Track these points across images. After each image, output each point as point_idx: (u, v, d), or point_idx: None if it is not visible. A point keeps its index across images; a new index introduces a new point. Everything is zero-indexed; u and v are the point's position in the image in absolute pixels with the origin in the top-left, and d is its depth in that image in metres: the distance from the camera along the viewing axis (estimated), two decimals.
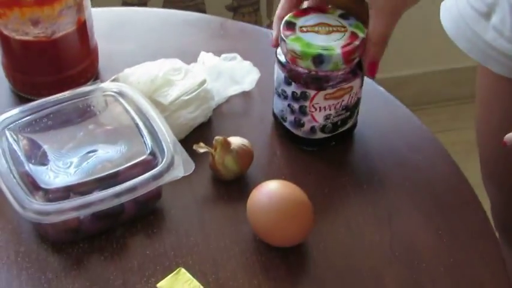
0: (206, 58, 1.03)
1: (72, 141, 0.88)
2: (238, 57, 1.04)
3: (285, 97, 0.93)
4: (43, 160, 0.86)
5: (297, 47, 0.88)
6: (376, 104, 1.03)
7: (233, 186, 0.91)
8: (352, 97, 0.92)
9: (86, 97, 0.91)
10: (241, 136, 0.93)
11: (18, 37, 0.97)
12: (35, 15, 0.95)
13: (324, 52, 0.87)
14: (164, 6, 1.83)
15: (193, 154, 0.87)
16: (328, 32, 0.89)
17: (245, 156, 0.91)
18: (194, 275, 0.81)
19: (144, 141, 0.86)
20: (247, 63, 1.04)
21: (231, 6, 1.91)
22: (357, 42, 0.88)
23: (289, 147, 0.96)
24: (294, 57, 0.89)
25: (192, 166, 0.85)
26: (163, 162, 0.84)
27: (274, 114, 0.98)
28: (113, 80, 0.95)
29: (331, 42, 0.88)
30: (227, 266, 0.84)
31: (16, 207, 0.80)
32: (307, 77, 0.89)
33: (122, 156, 0.86)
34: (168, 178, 0.84)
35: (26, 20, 0.95)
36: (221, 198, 0.91)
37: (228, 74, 1.02)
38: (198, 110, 0.96)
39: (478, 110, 1.17)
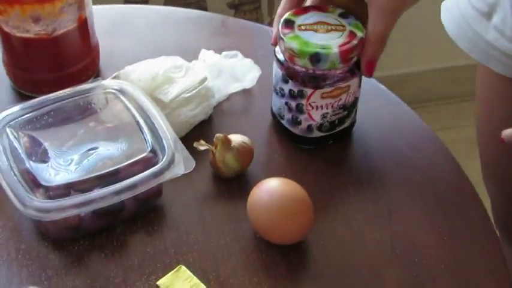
0: (207, 56, 1.03)
1: (73, 138, 0.88)
2: (239, 54, 1.04)
3: (283, 95, 0.93)
4: (44, 157, 0.86)
5: (295, 45, 0.88)
6: (377, 102, 1.03)
7: (233, 184, 0.91)
8: (349, 96, 0.92)
9: (87, 94, 0.91)
10: (241, 134, 0.93)
11: (19, 34, 0.97)
12: (36, 12, 0.95)
13: (321, 51, 0.87)
14: (165, 3, 1.83)
15: (193, 152, 0.87)
16: (327, 31, 0.89)
17: (245, 153, 0.91)
18: (194, 272, 0.81)
19: (144, 138, 0.86)
20: (248, 61, 1.04)
21: (232, 4, 1.91)
22: (355, 42, 0.88)
23: (290, 145, 0.96)
24: (292, 55, 0.89)
25: (192, 164, 0.85)
26: (163, 160, 0.84)
27: (272, 112, 0.98)
28: (114, 78, 0.95)
29: (329, 41, 0.88)
30: (227, 264, 0.84)
31: (17, 204, 0.80)
32: (304, 75, 0.89)
33: (122, 153, 0.86)
34: (168, 176, 0.84)
35: (26, 17, 0.95)
36: (221, 195, 0.91)
37: (228, 71, 1.02)
38: (199, 107, 0.96)
39: (479, 109, 1.17)
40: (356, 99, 0.94)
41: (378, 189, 0.92)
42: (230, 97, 1.02)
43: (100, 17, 1.06)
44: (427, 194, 0.92)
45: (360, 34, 0.89)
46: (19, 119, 0.88)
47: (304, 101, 0.91)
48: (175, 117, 0.93)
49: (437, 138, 0.99)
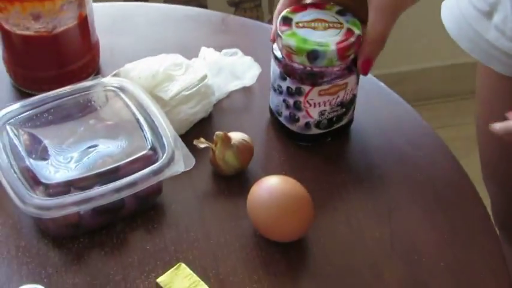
0: (207, 53, 1.03)
1: (73, 136, 0.88)
2: (239, 52, 1.04)
3: (280, 92, 0.93)
4: (44, 155, 0.86)
5: (292, 42, 0.88)
6: (377, 100, 1.03)
7: (233, 182, 0.92)
8: (347, 93, 0.92)
9: (87, 92, 0.91)
10: (241, 131, 0.93)
11: (19, 32, 0.97)
12: (36, 9, 0.95)
13: (319, 48, 0.87)
14: (166, 1, 1.83)
15: (193, 149, 0.87)
16: (325, 28, 0.89)
17: (245, 151, 0.91)
18: (194, 270, 0.81)
19: (144, 136, 0.86)
20: (248, 59, 1.04)
21: (233, 2, 1.91)
22: (352, 39, 0.88)
23: (290, 143, 0.96)
24: (289, 52, 0.89)
25: (192, 161, 0.85)
26: (163, 158, 0.84)
27: (270, 110, 0.98)
28: (114, 75, 0.95)
29: (326, 39, 0.88)
30: (227, 261, 0.84)
31: (17, 202, 0.80)
32: (302, 72, 0.89)
33: (122, 151, 0.86)
34: (168, 173, 0.84)
35: (27, 14, 0.95)
36: (221, 193, 0.91)
37: (228, 69, 1.02)
38: (199, 105, 0.96)
39: (479, 109, 1.17)
40: (354, 97, 0.94)
41: (378, 187, 0.92)
42: (230, 95, 1.02)
43: (100, 14, 1.06)
44: (427, 192, 0.92)
45: (357, 32, 0.89)
46: (19, 116, 0.88)
47: (302, 98, 0.91)
48: (175, 115, 0.93)
49: (437, 136, 0.99)
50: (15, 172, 0.82)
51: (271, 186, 0.84)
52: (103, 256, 0.84)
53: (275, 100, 0.95)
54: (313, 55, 0.87)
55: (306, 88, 0.90)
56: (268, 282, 0.82)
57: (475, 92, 1.17)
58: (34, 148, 0.86)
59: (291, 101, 0.92)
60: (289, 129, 0.95)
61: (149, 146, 0.85)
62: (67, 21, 0.97)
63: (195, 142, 0.90)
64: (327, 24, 0.90)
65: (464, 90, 1.98)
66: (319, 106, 0.92)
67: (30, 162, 0.84)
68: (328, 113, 0.93)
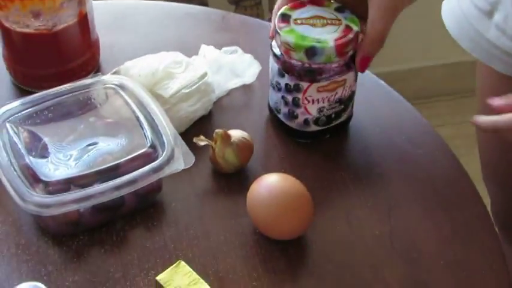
0: (207, 51, 1.03)
1: (73, 133, 0.88)
2: (239, 50, 1.04)
3: (279, 89, 0.93)
4: (43, 153, 0.86)
5: (291, 39, 0.88)
6: (377, 98, 1.03)
7: (233, 179, 0.92)
8: (345, 90, 0.92)
9: (87, 90, 0.91)
10: (241, 129, 0.93)
11: (19, 29, 0.97)
12: (36, 7, 0.95)
13: (317, 44, 0.87)
14: None
15: (193, 147, 0.87)
16: (323, 25, 0.90)
17: (245, 149, 0.91)
18: (194, 267, 0.81)
19: (144, 134, 0.86)
20: (248, 57, 1.04)
21: (233, 0, 1.91)
22: (350, 36, 0.88)
23: (289, 141, 0.96)
24: (288, 49, 0.89)
25: (192, 159, 0.85)
26: (163, 155, 0.84)
27: (269, 107, 0.98)
28: (114, 73, 0.95)
29: (324, 35, 0.88)
30: (227, 259, 0.84)
31: (16, 199, 0.80)
32: (300, 69, 0.90)
33: (122, 149, 0.86)
34: (168, 171, 0.84)
35: (27, 12, 0.95)
36: (221, 191, 0.91)
37: (228, 67, 1.02)
38: (199, 103, 0.96)
39: (479, 109, 1.17)
40: (352, 93, 0.94)
41: (378, 185, 0.92)
42: (230, 93, 1.02)
43: (100, 12, 1.06)
44: (427, 190, 0.92)
45: (355, 28, 0.89)
46: (19, 114, 0.88)
47: (300, 95, 0.91)
48: (175, 113, 0.93)
49: (437, 135, 0.99)
50: (15, 170, 0.82)
51: (270, 184, 0.84)
52: (103, 254, 0.84)
53: (274, 97, 0.95)
54: (311, 52, 0.88)
55: (304, 85, 0.90)
56: (267, 279, 0.82)
57: (475, 90, 1.17)
58: (34, 146, 0.86)
59: (289, 98, 0.92)
60: (288, 126, 0.95)
61: (149, 144, 0.85)
62: (67, 19, 0.97)
63: (194, 140, 0.90)
64: (325, 21, 0.90)
65: (464, 89, 1.98)
66: (318, 103, 0.92)
67: (30, 159, 0.84)
68: (327, 109, 0.93)
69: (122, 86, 0.91)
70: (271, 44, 0.92)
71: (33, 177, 0.82)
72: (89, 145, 0.86)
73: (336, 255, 0.85)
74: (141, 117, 0.88)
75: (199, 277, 0.79)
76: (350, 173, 0.93)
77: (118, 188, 0.82)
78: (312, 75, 0.90)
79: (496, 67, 1.05)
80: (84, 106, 0.91)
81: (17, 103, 0.89)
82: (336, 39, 0.88)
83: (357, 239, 0.87)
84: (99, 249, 0.85)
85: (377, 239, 0.86)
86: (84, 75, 1.00)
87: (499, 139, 0.89)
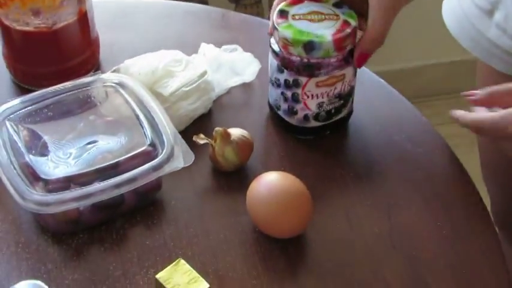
0: (207, 49, 1.03)
1: (73, 132, 0.88)
2: (239, 48, 1.04)
3: (278, 85, 0.93)
4: (43, 151, 0.86)
5: (289, 34, 0.88)
6: (377, 97, 1.03)
7: (233, 178, 0.92)
8: (345, 85, 0.92)
9: (87, 88, 0.91)
10: (241, 127, 0.93)
11: (19, 27, 0.97)
12: (36, 5, 0.95)
13: (315, 39, 0.88)
14: None
15: (193, 145, 0.88)
16: (320, 20, 0.90)
17: (245, 147, 0.91)
18: (193, 265, 0.81)
19: (144, 132, 0.86)
20: (248, 55, 1.04)
21: None
22: (348, 30, 0.89)
23: (289, 139, 0.96)
24: (286, 44, 0.89)
25: (192, 157, 0.85)
26: (163, 153, 0.84)
27: (269, 104, 0.98)
28: (114, 71, 0.95)
29: (322, 30, 0.89)
30: (226, 257, 0.84)
31: (16, 198, 0.80)
32: (298, 64, 0.90)
33: (122, 147, 0.86)
34: (168, 169, 0.84)
35: (26, 10, 0.95)
36: (221, 189, 0.91)
37: (228, 65, 1.02)
38: (199, 101, 0.96)
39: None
40: (352, 89, 0.94)
41: (377, 184, 0.92)
42: (230, 91, 1.02)
43: (100, 10, 1.06)
44: (426, 189, 0.92)
45: (353, 23, 0.90)
46: (19, 112, 0.88)
47: (299, 90, 0.91)
48: (174, 111, 0.93)
49: (437, 133, 0.99)
50: (14, 168, 0.82)
51: (270, 183, 0.84)
52: (102, 252, 0.84)
53: (273, 94, 0.95)
54: (309, 46, 0.88)
55: (303, 80, 0.90)
56: (267, 278, 0.82)
57: (475, 89, 1.16)
58: (34, 144, 0.86)
59: (288, 94, 0.92)
60: (288, 122, 0.95)
61: (149, 142, 0.85)
62: (67, 17, 0.98)
63: (194, 138, 0.90)
64: (323, 16, 0.90)
65: (464, 88, 1.97)
66: (317, 98, 0.92)
67: (30, 158, 0.84)
68: (326, 105, 0.93)
69: (121, 84, 0.91)
70: (270, 41, 0.92)
71: (33, 176, 0.82)
72: (89, 143, 0.86)
73: (336, 253, 0.85)
74: (141, 116, 0.88)
75: (198, 275, 0.79)
76: (350, 171, 0.93)
77: (118, 186, 0.82)
78: (310, 70, 0.90)
79: (497, 66, 1.05)
80: (84, 104, 0.91)
81: (16, 101, 0.89)
82: (334, 34, 0.88)
83: (356, 237, 0.87)
84: (99, 248, 0.85)
85: (377, 237, 0.87)
86: (84, 74, 1.00)
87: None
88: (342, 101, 0.94)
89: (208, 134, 0.91)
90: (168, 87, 0.94)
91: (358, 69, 0.94)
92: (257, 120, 0.99)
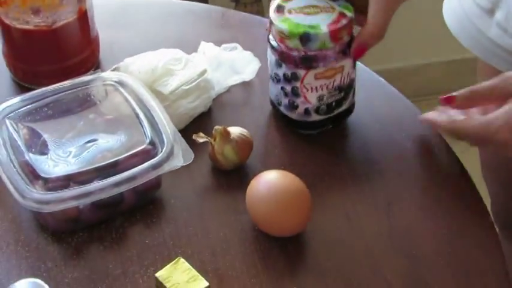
0: (207, 48, 1.03)
1: (72, 130, 0.88)
2: (239, 47, 1.04)
3: (278, 80, 0.93)
4: (43, 149, 0.86)
5: (285, 27, 0.89)
6: (376, 95, 1.03)
7: (232, 176, 0.92)
8: (344, 77, 0.92)
9: (86, 86, 0.91)
10: (241, 126, 0.93)
11: (19, 26, 0.97)
12: (36, 3, 0.95)
13: (311, 31, 0.88)
14: None
15: (192, 144, 0.88)
16: (316, 13, 0.90)
17: (244, 146, 0.91)
18: (193, 264, 0.81)
19: (143, 131, 0.87)
20: (248, 54, 1.04)
21: None
22: (344, 21, 0.89)
23: (289, 138, 0.96)
24: (283, 37, 0.90)
25: (191, 156, 0.85)
26: (162, 152, 0.84)
27: (271, 102, 0.98)
28: (114, 70, 0.95)
29: (318, 22, 0.89)
30: (226, 256, 0.84)
31: (16, 196, 0.80)
32: (296, 57, 0.90)
33: (121, 145, 0.86)
34: (167, 168, 0.84)
35: (26, 8, 0.95)
36: (220, 188, 0.91)
37: (228, 64, 1.02)
38: (198, 100, 0.96)
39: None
40: (352, 81, 0.94)
41: (377, 182, 0.92)
42: (229, 89, 1.02)
43: (100, 9, 1.06)
44: (426, 188, 0.92)
45: (349, 14, 0.90)
46: (19, 110, 0.88)
47: (298, 84, 0.91)
48: (174, 110, 0.93)
49: (436, 132, 0.99)
50: (14, 166, 0.82)
51: (270, 181, 0.84)
52: (102, 250, 0.84)
53: (274, 90, 0.95)
54: (305, 38, 0.88)
55: (301, 72, 0.91)
56: (266, 276, 0.82)
57: None
58: (33, 142, 0.86)
59: (288, 88, 0.92)
60: (289, 118, 0.95)
61: (148, 141, 0.85)
62: (67, 16, 0.98)
63: (194, 137, 0.90)
64: (319, 9, 0.91)
65: (464, 86, 1.97)
66: (317, 91, 0.92)
67: (30, 156, 0.84)
68: (327, 97, 0.93)
69: (121, 83, 0.91)
70: (268, 37, 0.93)
71: (32, 174, 0.82)
72: (89, 142, 0.87)
73: (335, 252, 0.85)
74: (141, 114, 0.88)
75: (198, 274, 0.80)
76: (349, 170, 0.93)
77: (117, 184, 0.82)
78: (308, 62, 0.90)
79: (497, 66, 1.05)
80: (84, 103, 0.91)
81: (16, 100, 0.89)
82: (330, 25, 0.89)
83: (356, 236, 0.87)
84: (99, 246, 0.85)
85: (376, 235, 0.86)
86: (84, 72, 1.00)
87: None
88: (342, 94, 0.94)
89: (207, 133, 0.91)
90: (168, 85, 0.94)
91: (357, 65, 0.94)
92: (257, 119, 0.99)
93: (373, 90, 1.03)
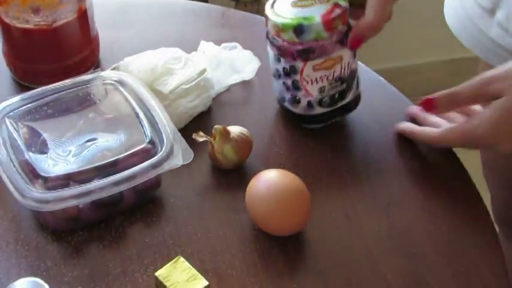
0: (206, 47, 1.03)
1: (72, 129, 0.88)
2: (239, 46, 1.04)
3: (279, 76, 0.93)
4: (43, 148, 0.86)
5: (279, 20, 0.89)
6: (376, 94, 1.03)
7: (232, 175, 0.92)
8: (344, 67, 0.92)
9: (86, 85, 0.91)
10: (240, 125, 0.93)
11: (19, 25, 0.97)
12: (36, 2, 0.95)
13: (304, 22, 0.88)
14: None
15: (192, 143, 0.88)
16: (311, 5, 0.90)
17: (244, 145, 0.91)
18: (193, 263, 0.81)
19: (143, 130, 0.87)
20: (248, 53, 1.04)
21: None
22: (338, 11, 0.89)
23: (289, 137, 0.97)
24: (278, 31, 0.90)
25: (191, 155, 0.85)
26: (162, 151, 0.84)
27: (277, 100, 0.98)
28: (113, 69, 0.95)
29: (311, 13, 0.89)
30: (226, 255, 0.84)
31: (16, 195, 0.80)
32: (293, 50, 0.90)
33: (121, 144, 0.86)
34: (167, 167, 0.84)
35: (26, 7, 0.95)
36: (220, 187, 0.91)
37: (228, 63, 1.03)
38: (198, 99, 0.96)
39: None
40: (353, 72, 0.94)
41: (377, 181, 0.92)
42: (229, 88, 1.02)
43: (100, 8, 1.06)
44: (426, 187, 0.92)
45: (343, 4, 0.90)
46: (18, 109, 0.88)
47: (298, 77, 0.91)
48: (174, 109, 0.93)
49: None
50: (14, 166, 0.82)
51: (269, 180, 0.84)
52: (102, 249, 0.84)
53: (277, 86, 0.96)
54: (299, 29, 0.88)
55: (299, 65, 0.91)
56: (266, 275, 0.82)
57: None
58: (33, 141, 0.86)
59: (289, 82, 0.93)
60: (294, 113, 0.95)
61: (148, 140, 0.85)
62: (67, 15, 0.98)
63: (193, 136, 0.90)
64: (313, 2, 0.91)
65: None
66: (317, 82, 0.92)
67: (30, 155, 0.84)
68: (328, 89, 0.93)
69: (121, 82, 0.91)
70: (266, 33, 0.93)
71: (32, 173, 0.82)
72: (88, 141, 0.87)
73: (335, 251, 0.85)
74: (140, 113, 0.88)
75: (198, 273, 0.80)
76: (349, 169, 0.93)
77: (117, 183, 0.82)
78: (305, 54, 0.90)
79: (497, 65, 1.05)
80: (84, 102, 0.91)
81: (16, 99, 0.89)
82: (323, 15, 0.89)
83: (355, 235, 0.87)
84: (98, 245, 0.85)
85: (376, 234, 0.87)
86: (84, 71, 1.00)
87: None
88: (344, 85, 0.94)
89: (207, 132, 0.91)
90: (168, 84, 0.94)
91: (357, 65, 0.94)
92: (256, 118, 0.99)
93: (373, 90, 1.03)
